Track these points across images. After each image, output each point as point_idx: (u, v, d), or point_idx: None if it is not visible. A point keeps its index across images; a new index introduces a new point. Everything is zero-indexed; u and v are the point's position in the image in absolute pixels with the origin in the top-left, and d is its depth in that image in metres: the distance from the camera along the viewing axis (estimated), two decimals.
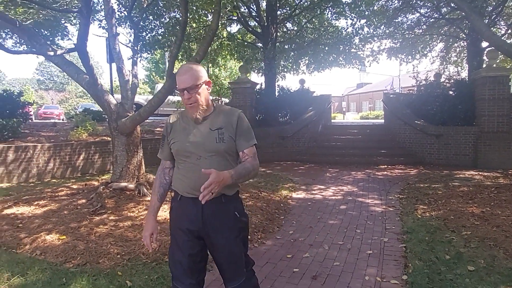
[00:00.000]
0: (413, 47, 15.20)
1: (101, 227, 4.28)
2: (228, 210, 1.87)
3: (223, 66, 23.47)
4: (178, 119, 1.94)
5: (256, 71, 16.32)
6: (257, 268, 3.39)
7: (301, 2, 13.63)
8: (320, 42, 14.36)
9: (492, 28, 13.18)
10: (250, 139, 1.91)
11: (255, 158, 1.89)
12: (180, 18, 5.93)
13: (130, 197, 5.37)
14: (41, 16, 7.58)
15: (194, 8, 10.41)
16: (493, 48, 8.78)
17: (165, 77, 5.37)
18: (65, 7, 7.51)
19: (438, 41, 15.74)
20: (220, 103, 13.11)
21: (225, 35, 14.35)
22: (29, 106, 11.44)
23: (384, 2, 13.78)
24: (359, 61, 15.49)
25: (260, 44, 14.29)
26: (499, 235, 3.92)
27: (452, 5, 9.95)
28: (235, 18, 12.97)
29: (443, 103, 10.02)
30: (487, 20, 11.84)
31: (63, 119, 23.23)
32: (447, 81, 11.09)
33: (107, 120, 6.25)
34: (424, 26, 14.23)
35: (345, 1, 13.05)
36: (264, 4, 13.58)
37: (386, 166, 9.69)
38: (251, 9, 13.60)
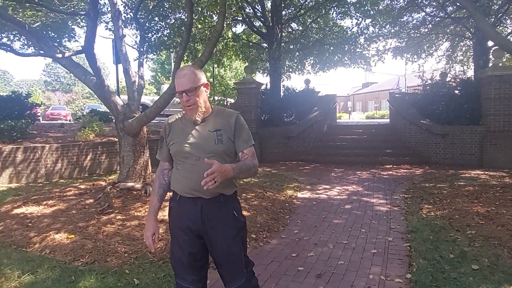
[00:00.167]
0: (419, 46, 15.14)
1: (109, 226, 4.35)
2: (226, 210, 1.90)
3: (228, 67, 23.55)
4: (176, 120, 1.97)
5: (261, 72, 16.34)
6: (262, 267, 3.47)
7: (306, 2, 13.64)
8: (325, 42, 14.36)
9: (498, 27, 13.11)
10: (249, 139, 1.96)
11: (254, 157, 1.94)
12: (186, 19, 5.99)
13: (137, 197, 5.43)
14: (49, 18, 7.69)
15: (200, 9, 10.48)
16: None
17: (170, 78, 5.43)
18: (72, 9, 7.61)
19: (444, 40, 15.66)
20: (225, 103, 13.21)
21: (230, 35, 14.40)
22: (37, 107, 11.60)
23: (389, 2, 13.74)
24: (364, 60, 15.45)
25: (265, 45, 14.33)
26: (503, 234, 3.92)
27: (458, 4, 9.91)
28: (240, 18, 13.01)
29: (449, 103, 9.98)
30: (493, 19, 11.76)
31: (70, 120, 23.45)
32: (452, 80, 11.03)
33: (114, 121, 6.32)
34: (430, 25, 14.16)
35: (350, 1, 13.04)
36: (269, 4, 13.61)
37: (391, 165, 9.68)
38: (256, 10, 13.64)
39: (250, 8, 13.35)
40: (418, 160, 9.95)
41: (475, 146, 9.42)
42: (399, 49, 15.15)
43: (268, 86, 13.17)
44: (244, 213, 4.95)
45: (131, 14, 8.92)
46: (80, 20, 10.11)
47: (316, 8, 13.48)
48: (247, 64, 14.56)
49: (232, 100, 13.88)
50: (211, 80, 21.42)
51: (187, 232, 1.89)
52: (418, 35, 14.55)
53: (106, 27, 9.41)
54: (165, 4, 10.35)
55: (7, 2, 5.32)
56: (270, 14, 13.23)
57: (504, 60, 9.35)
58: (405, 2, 13.40)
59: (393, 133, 11.48)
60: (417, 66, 16.50)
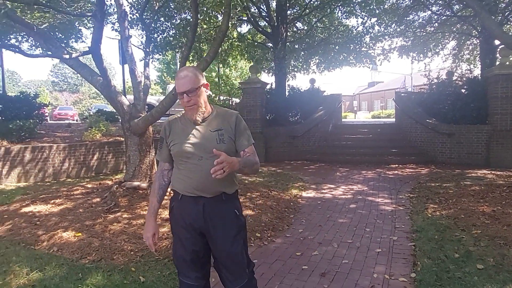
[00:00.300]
0: (425, 45, 15.04)
1: (115, 225, 4.40)
2: (228, 208, 1.93)
3: (233, 66, 23.60)
4: (176, 121, 1.98)
5: (266, 71, 16.35)
6: (266, 266, 3.49)
7: (311, 2, 13.62)
8: (330, 41, 14.33)
9: (506, 25, 12.98)
10: (249, 138, 1.99)
11: (255, 155, 1.97)
12: (191, 20, 6.03)
13: (142, 196, 5.49)
14: (56, 20, 7.78)
15: (205, 9, 10.52)
16: None
17: None
18: (79, 11, 7.69)
19: (450, 38, 15.53)
20: (231, 103, 13.23)
21: (235, 35, 14.43)
22: (45, 108, 11.73)
23: (395, 0, 13.66)
24: (369, 60, 15.39)
25: (270, 44, 14.34)
26: (509, 234, 3.91)
27: (464, 2, 9.83)
28: (245, 18, 13.03)
29: (455, 102, 9.91)
30: (500, 17, 11.65)
31: (77, 120, 23.65)
32: (459, 79, 10.96)
33: (120, 120, 6.39)
34: (436, 23, 14.06)
35: (356, 0, 12.99)
36: (274, 4, 13.62)
37: (397, 165, 9.65)
38: (261, 10, 13.65)
39: (255, 8, 13.38)
40: (424, 159, 9.90)
41: (481, 146, 9.35)
42: (405, 48, 15.05)
43: (273, 86, 13.18)
44: (249, 212, 5.00)
45: (137, 14, 8.99)
46: (87, 21, 10.21)
47: (321, 7, 13.45)
48: (252, 63, 14.58)
49: (238, 100, 13.90)
50: (216, 80, 21.48)
51: (190, 230, 1.91)
52: (424, 33, 14.45)
53: (112, 28, 9.49)
54: (171, 4, 10.41)
55: (16, 4, 5.39)
56: (275, 14, 13.24)
57: (511, 58, 9.24)
58: (411, 1, 13.32)
59: (399, 133, 11.43)
60: (423, 65, 16.40)
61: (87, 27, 10.90)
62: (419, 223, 4.61)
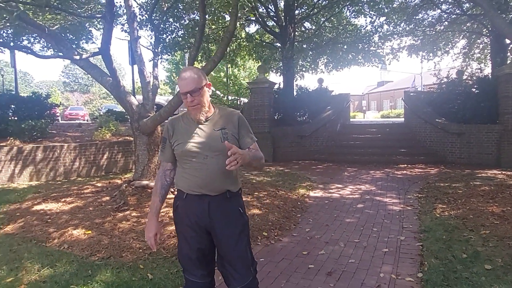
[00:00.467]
0: (435, 44, 14.89)
1: (124, 223, 4.46)
2: (232, 206, 1.95)
3: (242, 66, 23.65)
4: (179, 121, 2.00)
5: (274, 71, 16.37)
6: (273, 264, 3.52)
7: (319, 1, 13.58)
8: (338, 41, 14.29)
9: None
10: (252, 136, 2.01)
11: (259, 151, 1.99)
12: (199, 20, 6.08)
13: (151, 195, 5.54)
14: (67, 21, 7.91)
15: (213, 9, 10.58)
16: None
17: None
18: (89, 12, 7.80)
19: (460, 37, 15.36)
20: (239, 103, 13.27)
21: (243, 35, 14.47)
22: (56, 108, 11.92)
23: None
24: (378, 59, 15.31)
25: (278, 44, 14.34)
26: None
27: (474, 0, 9.72)
28: (254, 18, 13.07)
29: (465, 101, 9.81)
30: (511, 16, 11.48)
31: (87, 120, 23.94)
32: (469, 78, 10.84)
33: (129, 120, 6.47)
34: (446, 22, 13.93)
35: None
36: (282, 4, 13.62)
37: (405, 165, 9.58)
38: (269, 9, 13.67)
39: (263, 8, 13.39)
40: (433, 159, 9.82)
41: (492, 145, 9.24)
42: (414, 47, 14.93)
43: (281, 86, 13.19)
44: (256, 211, 5.03)
45: (146, 15, 9.09)
46: (97, 22, 10.35)
47: (329, 6, 13.42)
48: (260, 63, 14.62)
49: (246, 100, 13.95)
50: (224, 80, 21.55)
51: (195, 228, 1.93)
52: (433, 32, 14.32)
53: (122, 29, 9.62)
54: (179, 5, 10.50)
55: (28, 6, 5.51)
56: (283, 14, 13.24)
57: None
58: (420, 0, 13.21)
59: (408, 132, 11.35)
60: (433, 64, 16.27)
61: (97, 28, 11.05)
62: (427, 223, 4.58)
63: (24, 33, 9.76)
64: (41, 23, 6.10)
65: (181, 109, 6.23)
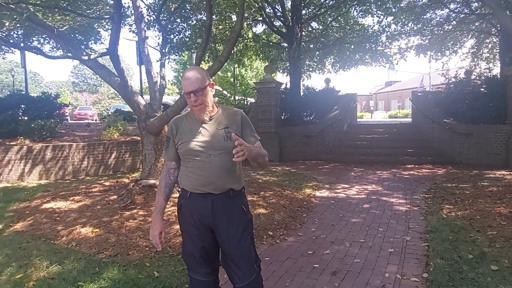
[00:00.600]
0: (443, 43, 14.75)
1: (131, 221, 4.52)
2: (235, 204, 1.97)
3: (249, 66, 23.67)
4: (182, 120, 2.03)
5: (281, 71, 16.37)
6: (277, 263, 3.53)
7: (326, 1, 13.56)
8: (345, 40, 14.24)
9: None
10: (256, 134, 2.04)
11: (263, 149, 2.01)
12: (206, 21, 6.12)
13: None
14: (76, 22, 8.02)
15: (220, 10, 10.62)
16: None
17: None
18: (97, 13, 7.89)
19: (469, 37, 15.19)
20: (246, 103, 13.30)
21: (250, 35, 14.49)
22: (65, 108, 12.08)
23: None
24: (385, 59, 15.22)
25: (285, 44, 14.34)
26: None
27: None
28: (261, 19, 13.08)
29: (474, 101, 9.72)
30: None
31: (96, 120, 24.15)
32: (477, 78, 10.74)
33: (137, 120, 6.53)
34: (454, 22, 13.79)
35: None
36: (289, 4, 13.62)
37: (413, 165, 9.53)
38: (276, 10, 13.67)
39: (270, 8, 13.40)
40: (440, 160, 9.74)
41: (500, 146, 9.14)
42: (422, 47, 14.80)
43: (288, 86, 13.19)
44: (262, 210, 5.05)
45: (154, 16, 9.17)
46: (105, 23, 10.45)
47: (337, 6, 13.38)
48: (267, 63, 14.63)
49: (253, 100, 13.97)
50: (231, 80, 21.59)
51: (199, 226, 1.95)
52: (441, 32, 14.19)
53: (130, 30, 9.73)
54: (187, 6, 10.56)
55: (38, 7, 5.59)
56: (290, 14, 13.24)
57: None
58: None
59: (415, 132, 11.28)
60: (441, 64, 16.11)
61: (105, 29, 11.17)
62: (434, 223, 4.56)
63: (34, 34, 9.91)
64: (50, 24, 6.19)
65: (188, 109, 6.26)
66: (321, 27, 15.30)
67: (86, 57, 5.43)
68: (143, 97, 6.46)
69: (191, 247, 1.99)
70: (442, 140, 10.16)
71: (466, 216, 4.73)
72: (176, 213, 2.15)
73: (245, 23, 12.23)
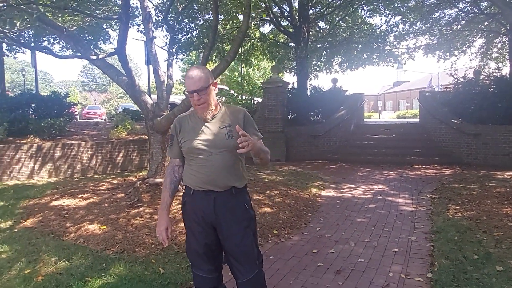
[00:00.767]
0: (451, 43, 14.63)
1: (138, 219, 4.57)
2: (238, 202, 1.99)
3: (256, 66, 23.69)
4: (186, 119, 2.05)
5: (288, 71, 16.38)
6: (282, 262, 3.55)
7: (334, 1, 13.53)
8: (353, 40, 14.20)
9: None
10: (258, 133, 2.05)
11: (265, 147, 2.02)
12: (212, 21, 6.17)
13: None
14: (85, 23, 8.12)
15: (227, 9, 10.67)
16: None
17: None
18: (106, 14, 7.98)
19: (478, 36, 15.04)
20: (253, 102, 13.33)
21: (257, 35, 14.52)
22: (74, 107, 12.22)
23: None
24: (393, 58, 15.15)
25: (292, 44, 14.35)
26: None
27: None
28: (268, 18, 13.11)
29: (482, 101, 9.62)
30: None
31: (105, 119, 24.35)
32: (486, 78, 10.63)
33: (144, 119, 6.59)
34: (463, 21, 13.68)
35: None
36: (296, 3, 13.62)
37: (420, 166, 9.47)
38: (283, 9, 13.68)
39: (277, 7, 13.42)
40: (448, 160, 9.66)
41: (509, 147, 9.03)
42: (431, 47, 14.69)
43: (295, 85, 13.20)
44: (267, 209, 5.08)
45: (161, 16, 9.25)
46: (114, 23, 10.56)
47: (344, 6, 13.35)
48: (274, 63, 14.65)
49: (260, 99, 14.00)
50: (239, 79, 21.64)
51: (202, 224, 1.98)
52: (450, 31, 14.07)
53: (138, 30, 9.81)
54: (194, 6, 10.63)
55: (48, 8, 5.69)
56: (297, 14, 13.24)
57: None
58: None
59: (423, 133, 11.21)
60: (450, 63, 15.97)
61: (113, 29, 11.28)
62: (439, 224, 4.54)
63: (44, 34, 10.06)
64: (60, 24, 6.29)
65: None
66: (328, 26, 15.28)
67: (94, 57, 5.50)
68: (151, 97, 6.51)
69: (195, 244, 2.02)
70: (449, 140, 10.08)
71: (472, 216, 4.70)
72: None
73: (252, 23, 12.26)
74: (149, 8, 6.68)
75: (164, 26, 9.65)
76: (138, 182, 5.80)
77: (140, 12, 7.80)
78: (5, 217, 5.07)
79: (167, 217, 2.08)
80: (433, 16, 13.68)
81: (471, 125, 9.60)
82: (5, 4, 4.13)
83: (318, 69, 16.66)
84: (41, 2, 4.90)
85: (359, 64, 15.79)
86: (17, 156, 8.11)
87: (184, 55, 13.31)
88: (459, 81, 10.84)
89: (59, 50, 12.48)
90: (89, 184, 6.99)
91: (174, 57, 9.55)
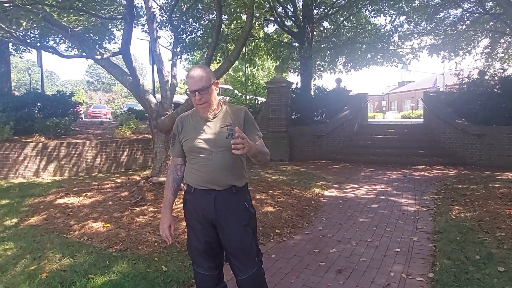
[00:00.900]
0: (456, 43, 14.55)
1: (141, 217, 4.61)
2: (238, 200, 2.01)
3: (261, 66, 23.70)
4: (187, 118, 2.09)
5: (292, 71, 16.40)
6: (284, 261, 3.57)
7: (338, 1, 13.52)
8: (357, 40, 14.19)
9: None
10: (258, 132, 2.06)
11: (265, 148, 2.04)
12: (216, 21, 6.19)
13: None
14: (90, 22, 8.18)
15: (231, 9, 10.69)
16: None
17: None
18: (110, 14, 8.04)
19: (483, 37, 14.95)
20: (256, 102, 13.35)
21: (261, 35, 14.54)
22: (79, 106, 12.31)
23: None
24: (398, 59, 15.11)
25: (296, 44, 14.35)
26: None
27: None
28: (272, 18, 13.12)
29: (486, 102, 9.58)
30: None
31: (110, 118, 24.46)
32: (491, 78, 10.57)
33: (148, 118, 6.63)
34: (468, 21, 13.60)
35: None
36: (300, 3, 13.62)
37: (424, 166, 9.44)
38: (287, 9, 13.69)
39: (281, 7, 13.43)
40: (452, 161, 9.63)
41: None
42: (435, 47, 14.62)
43: (299, 85, 13.20)
44: (270, 208, 5.10)
45: (166, 16, 9.28)
46: (118, 23, 10.62)
47: (348, 6, 13.33)
48: (278, 63, 14.66)
49: (263, 99, 14.02)
50: (243, 79, 21.67)
51: (202, 221, 2.01)
52: (455, 32, 14.00)
53: (142, 30, 9.86)
54: (199, 5, 10.66)
55: (53, 8, 5.74)
56: (301, 14, 13.25)
57: None
58: None
59: (427, 133, 11.17)
60: (454, 64, 15.89)
61: (118, 29, 11.34)
62: (442, 224, 4.54)
63: (50, 34, 10.14)
64: (65, 24, 6.34)
65: None
66: (332, 26, 15.28)
67: (99, 57, 5.54)
68: (155, 96, 6.54)
69: (195, 242, 2.04)
70: (454, 141, 10.04)
71: (475, 217, 4.69)
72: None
73: (256, 23, 12.28)
74: (154, 8, 6.72)
75: (169, 26, 9.67)
76: (142, 181, 5.85)
77: (145, 12, 7.85)
78: (10, 215, 5.13)
79: (170, 215, 2.11)
80: (438, 16, 13.62)
81: (476, 125, 9.56)
82: (11, 4, 4.18)
83: (322, 69, 16.65)
84: (46, 2, 4.95)
85: (363, 64, 15.76)
86: (22, 155, 8.19)
87: (188, 54, 13.36)
88: (463, 82, 10.80)
89: (65, 49, 12.58)
90: (93, 182, 7.04)
91: (179, 56, 9.59)
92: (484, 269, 3.20)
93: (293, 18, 13.71)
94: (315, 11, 13.67)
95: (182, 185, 2.23)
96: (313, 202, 5.92)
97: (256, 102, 13.76)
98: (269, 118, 11.25)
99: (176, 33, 8.15)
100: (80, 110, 14.43)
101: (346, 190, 6.85)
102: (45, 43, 11.81)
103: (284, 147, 10.97)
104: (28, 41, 10.21)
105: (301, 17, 13.19)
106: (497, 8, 12.39)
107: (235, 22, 11.75)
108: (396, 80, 62.54)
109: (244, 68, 21.22)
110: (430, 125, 11.20)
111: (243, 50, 13.30)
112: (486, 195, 5.83)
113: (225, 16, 10.15)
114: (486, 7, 12.58)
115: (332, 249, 3.90)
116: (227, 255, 2.05)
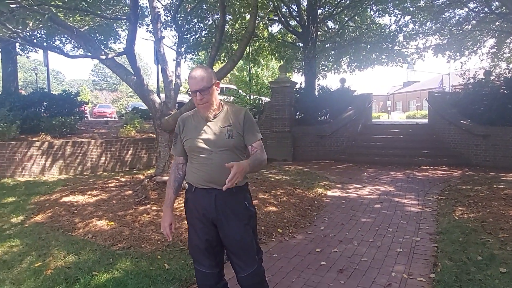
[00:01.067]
0: (462, 43, 14.47)
1: (145, 216, 4.65)
2: (238, 200, 2.03)
3: (265, 66, 23.72)
4: (189, 118, 2.11)
5: (296, 71, 16.39)
6: (285, 260, 3.60)
7: (342, 1, 13.49)
8: (361, 40, 14.16)
9: None
10: (257, 134, 2.07)
11: (263, 151, 2.05)
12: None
13: None
14: (95, 23, 8.26)
15: (235, 9, 10.72)
16: None
17: None
18: (115, 14, 8.10)
19: (489, 37, 14.84)
20: (260, 102, 13.37)
21: (266, 35, 14.56)
22: (85, 105, 12.39)
23: None
24: (402, 58, 15.05)
25: (300, 44, 14.35)
26: None
27: None
28: (276, 18, 13.13)
29: (492, 102, 9.51)
30: None
31: (115, 118, 24.58)
32: (497, 79, 10.50)
33: (152, 118, 6.68)
34: (474, 21, 13.52)
35: None
36: (305, 3, 13.62)
37: (428, 167, 9.40)
38: (291, 9, 13.69)
39: (286, 7, 13.43)
40: (456, 161, 9.58)
41: None
42: (440, 47, 14.55)
43: (303, 85, 13.19)
44: (272, 208, 5.12)
45: (170, 16, 9.33)
46: (123, 23, 10.69)
47: (353, 6, 13.30)
48: (282, 63, 14.66)
49: (267, 99, 14.04)
50: (247, 79, 21.70)
51: (203, 220, 2.04)
52: (460, 32, 13.92)
53: (147, 30, 9.91)
54: (203, 5, 10.70)
55: (59, 9, 5.81)
56: (305, 13, 13.24)
57: None
58: None
59: (431, 134, 11.12)
60: (460, 64, 15.79)
61: (123, 29, 11.42)
62: (444, 225, 4.53)
63: (56, 34, 10.23)
64: (71, 24, 6.41)
65: None
66: (337, 26, 15.25)
67: (104, 57, 5.59)
68: (159, 96, 6.58)
69: (196, 240, 2.07)
70: (458, 141, 9.99)
71: (478, 218, 4.68)
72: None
73: (260, 23, 12.30)
74: (158, 8, 6.76)
75: (173, 26, 9.74)
76: (146, 180, 5.89)
77: (149, 12, 7.90)
78: (16, 212, 5.20)
79: (171, 213, 2.14)
80: (443, 16, 13.55)
81: (481, 126, 9.51)
82: (17, 5, 4.24)
83: (326, 69, 16.64)
84: (52, 3, 5.01)
85: (368, 64, 15.72)
86: (29, 153, 8.28)
87: (193, 54, 13.43)
88: (468, 82, 10.74)
89: (71, 49, 12.70)
90: (98, 181, 7.10)
91: (183, 56, 9.64)
92: (485, 270, 3.20)
93: (297, 18, 13.70)
94: (319, 11, 13.65)
95: (184, 183, 2.26)
96: (315, 202, 5.93)
97: (260, 102, 13.77)
98: (272, 118, 11.26)
99: (180, 33, 8.20)
100: (86, 110, 14.54)
101: (349, 190, 6.85)
102: (51, 43, 11.93)
103: (288, 147, 10.98)
104: (35, 41, 10.32)
105: (305, 17, 13.18)
106: (503, 8, 12.32)
107: (239, 22, 11.77)
108: (402, 80, 62.37)
109: (248, 68, 21.25)
110: (435, 126, 11.15)
111: (247, 50, 13.33)
112: (490, 196, 5.81)
113: (229, 16, 10.19)
114: (492, 6, 12.50)
115: (334, 249, 3.91)
116: (228, 253, 2.08)
